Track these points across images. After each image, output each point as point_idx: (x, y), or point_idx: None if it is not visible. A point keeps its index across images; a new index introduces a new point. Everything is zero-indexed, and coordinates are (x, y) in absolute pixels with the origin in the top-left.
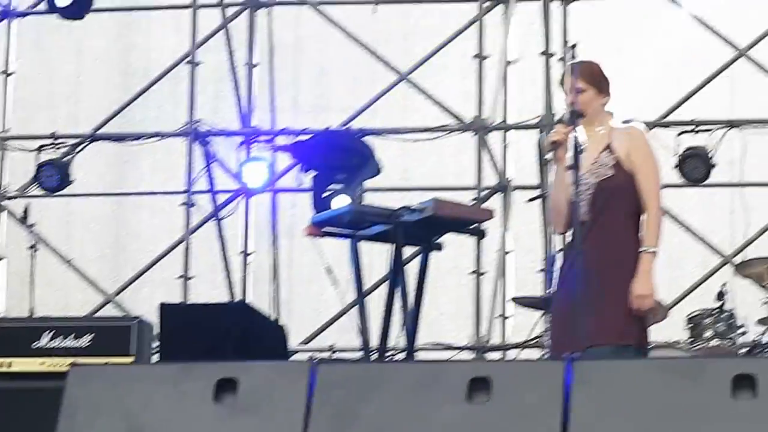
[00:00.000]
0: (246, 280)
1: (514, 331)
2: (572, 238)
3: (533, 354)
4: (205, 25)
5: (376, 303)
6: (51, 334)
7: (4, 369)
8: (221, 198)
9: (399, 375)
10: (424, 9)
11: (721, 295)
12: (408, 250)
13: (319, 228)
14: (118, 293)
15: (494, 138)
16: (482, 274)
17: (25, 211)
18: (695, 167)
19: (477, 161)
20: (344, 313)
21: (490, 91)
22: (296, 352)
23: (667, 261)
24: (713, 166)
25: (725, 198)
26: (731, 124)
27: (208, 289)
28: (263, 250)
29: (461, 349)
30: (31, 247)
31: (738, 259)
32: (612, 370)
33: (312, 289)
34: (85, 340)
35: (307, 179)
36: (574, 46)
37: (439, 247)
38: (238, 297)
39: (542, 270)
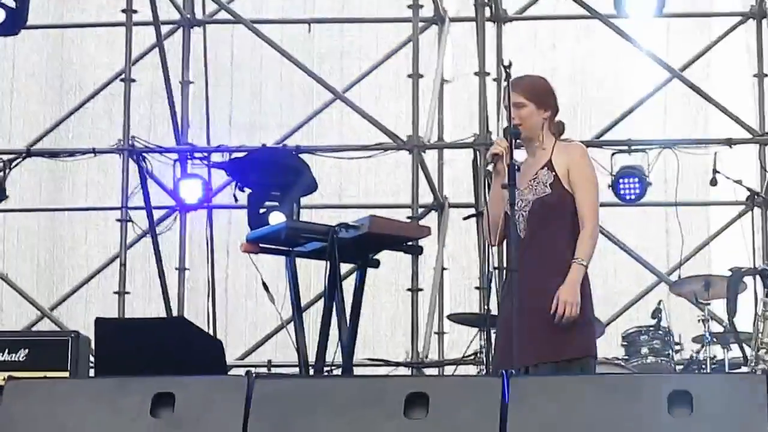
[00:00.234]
0: (182, 295)
1: (450, 348)
2: (508, 253)
3: (470, 370)
4: (140, 43)
5: (313, 318)
6: None
7: None
8: (157, 214)
9: (336, 390)
10: (360, 28)
11: (656, 313)
12: (345, 267)
13: (255, 244)
14: (53, 308)
15: (430, 156)
16: (419, 290)
17: None
18: None
19: (413, 179)
20: (281, 329)
21: (426, 109)
22: (233, 367)
23: (603, 278)
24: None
25: (660, 217)
26: (665, 144)
27: (144, 305)
28: (199, 266)
29: (398, 364)
30: None
31: (673, 278)
32: (549, 387)
33: (249, 305)
34: (21, 355)
35: (243, 196)
36: (508, 66)
37: (375, 264)
38: (174, 312)
39: (478, 287)
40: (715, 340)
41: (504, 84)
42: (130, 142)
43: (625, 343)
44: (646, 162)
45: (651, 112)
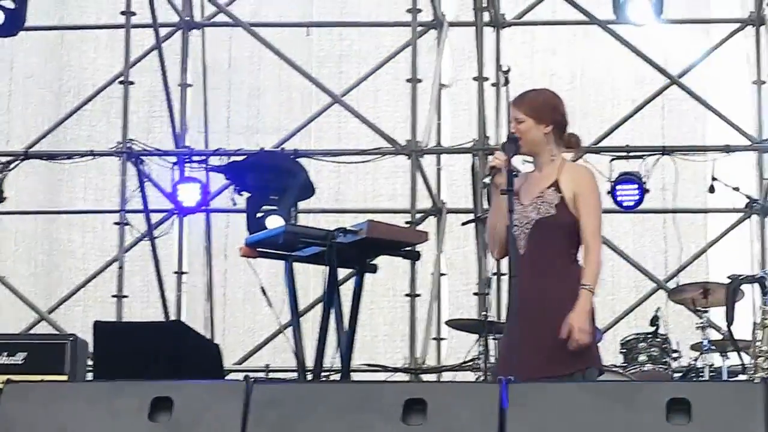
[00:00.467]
0: (180, 299)
1: (448, 354)
2: (510, 267)
3: (468, 376)
4: (139, 45)
5: (311, 323)
6: None
7: None
8: (155, 218)
9: (334, 395)
10: (359, 32)
11: (654, 320)
12: (343, 272)
13: (253, 249)
14: (51, 311)
15: (428, 161)
16: (417, 296)
17: None
18: None
19: (411, 184)
20: (279, 334)
21: (424, 114)
22: (231, 371)
23: (601, 285)
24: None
25: (658, 223)
26: (663, 151)
27: (142, 308)
28: (197, 269)
29: (396, 370)
30: None
31: (671, 285)
32: (547, 394)
33: (247, 309)
34: (19, 358)
35: (241, 200)
36: (507, 71)
37: (373, 269)
38: (172, 316)
39: (476, 293)
40: (713, 347)
41: (503, 89)
42: (128, 144)
43: (624, 351)
44: (644, 169)
45: (649, 119)
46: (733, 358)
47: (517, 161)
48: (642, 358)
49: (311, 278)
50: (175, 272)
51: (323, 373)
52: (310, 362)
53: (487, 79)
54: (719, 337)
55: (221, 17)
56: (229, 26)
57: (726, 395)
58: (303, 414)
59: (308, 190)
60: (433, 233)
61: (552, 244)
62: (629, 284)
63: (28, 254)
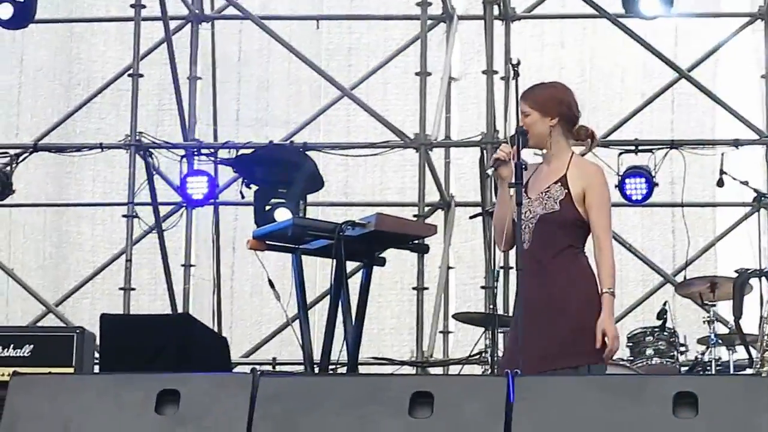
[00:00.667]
0: (188, 292)
1: (455, 347)
2: (517, 261)
3: (475, 370)
4: (148, 38)
5: (318, 316)
6: None
7: None
8: (163, 210)
9: (341, 388)
10: (368, 25)
11: (662, 314)
12: (351, 265)
13: (261, 241)
14: (59, 304)
15: (437, 155)
16: (424, 289)
17: None
18: None
19: (419, 177)
20: (286, 327)
21: (433, 107)
22: (238, 364)
23: None
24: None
25: (666, 217)
26: (672, 145)
27: (150, 301)
28: (205, 262)
29: (403, 363)
30: None
31: (679, 278)
32: (554, 387)
33: (254, 302)
34: (26, 350)
35: (250, 193)
36: (517, 64)
37: (381, 262)
38: (180, 309)
39: (484, 286)
40: (720, 341)
41: (512, 82)
42: (137, 137)
43: (631, 344)
44: (653, 162)
45: (658, 113)
46: (741, 352)
47: (528, 154)
48: (649, 351)
49: (319, 271)
50: (183, 265)
51: (330, 366)
52: (317, 355)
53: (496, 72)
54: (726, 331)
55: (231, 10)
56: (239, 19)
57: (733, 389)
58: (310, 407)
59: (317, 183)
60: (441, 226)
61: (555, 239)
62: (637, 278)
63: (36, 247)
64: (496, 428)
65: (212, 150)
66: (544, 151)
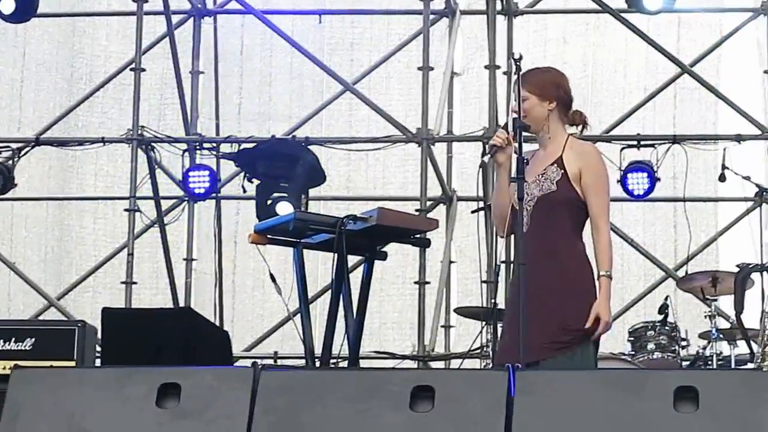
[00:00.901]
0: (189, 286)
1: (457, 341)
2: (515, 248)
3: (476, 364)
4: (151, 32)
5: (320, 310)
6: None
7: None
8: (165, 204)
9: (342, 382)
10: (371, 20)
11: (663, 308)
12: (352, 259)
13: (263, 235)
14: (60, 297)
15: (439, 149)
16: (426, 283)
17: None
18: None
19: (421, 172)
20: (288, 320)
21: (435, 102)
22: (240, 358)
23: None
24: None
25: (668, 212)
26: (674, 140)
27: (152, 295)
28: (207, 256)
29: (405, 357)
30: None
31: (680, 273)
32: (555, 381)
33: (256, 296)
34: (27, 344)
35: (252, 187)
36: (519, 59)
37: (383, 257)
38: (181, 303)
39: (486, 281)
40: (721, 336)
41: (514, 77)
42: (139, 131)
43: (632, 339)
44: (655, 157)
45: (660, 108)
46: (742, 347)
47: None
48: (650, 346)
49: (320, 265)
50: (185, 259)
51: (331, 360)
52: (318, 349)
53: (498, 67)
54: (728, 325)
55: (233, 4)
56: (241, 13)
57: (734, 383)
58: (311, 401)
59: (319, 178)
60: (443, 221)
61: (554, 221)
62: (638, 272)
63: (38, 240)
64: (497, 422)
65: (214, 144)
66: (541, 134)
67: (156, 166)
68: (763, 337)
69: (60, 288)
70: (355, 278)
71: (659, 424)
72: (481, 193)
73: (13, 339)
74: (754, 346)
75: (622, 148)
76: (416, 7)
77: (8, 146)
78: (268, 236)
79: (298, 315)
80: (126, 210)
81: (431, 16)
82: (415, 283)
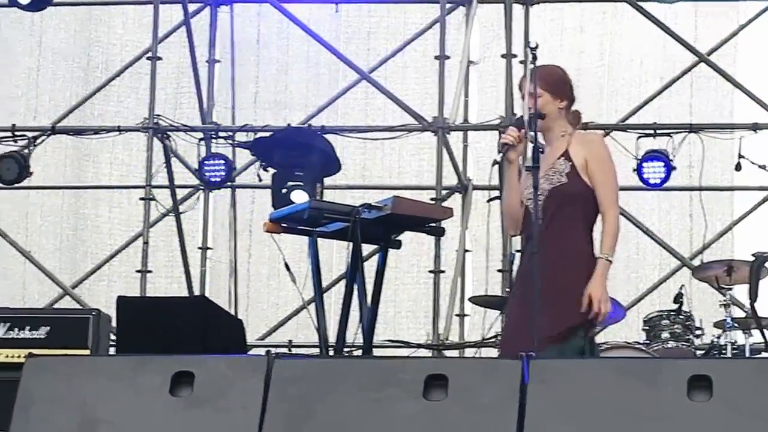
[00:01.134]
0: (204, 275)
1: (471, 330)
2: (526, 241)
3: (490, 353)
4: (167, 21)
5: (334, 299)
6: (7, 325)
7: None
8: (181, 193)
9: (356, 371)
10: (387, 8)
11: (678, 297)
12: (367, 248)
13: (278, 224)
14: (75, 286)
15: (455, 138)
16: (441, 272)
17: None
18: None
19: (437, 161)
20: (302, 309)
21: (451, 91)
22: (254, 346)
23: (625, 263)
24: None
25: (684, 201)
26: (691, 128)
27: (167, 284)
28: (222, 245)
29: (419, 346)
30: None
31: (696, 262)
32: (569, 370)
33: (270, 285)
34: (42, 332)
35: (267, 176)
36: (535, 48)
37: (398, 245)
38: (196, 291)
39: (501, 270)
40: (736, 325)
41: (530, 66)
42: (155, 120)
43: (647, 328)
44: (671, 146)
45: (677, 96)
46: (756, 336)
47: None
48: (665, 335)
49: (335, 254)
50: (200, 248)
51: (345, 349)
52: (332, 338)
53: (515, 56)
54: (743, 314)
55: None
56: (258, 2)
57: (748, 372)
58: (324, 389)
59: (334, 166)
60: (458, 210)
61: (566, 214)
62: (654, 261)
63: (53, 229)
64: (510, 411)
65: (230, 133)
66: (550, 131)
67: (172, 155)
68: None
69: (75, 276)
70: (370, 267)
71: (673, 412)
72: (496, 192)
73: (28, 327)
74: None
75: (639, 137)
76: None
77: (24, 135)
78: (283, 225)
79: (313, 304)
80: (141, 199)
81: (448, 5)
82: (430, 272)
